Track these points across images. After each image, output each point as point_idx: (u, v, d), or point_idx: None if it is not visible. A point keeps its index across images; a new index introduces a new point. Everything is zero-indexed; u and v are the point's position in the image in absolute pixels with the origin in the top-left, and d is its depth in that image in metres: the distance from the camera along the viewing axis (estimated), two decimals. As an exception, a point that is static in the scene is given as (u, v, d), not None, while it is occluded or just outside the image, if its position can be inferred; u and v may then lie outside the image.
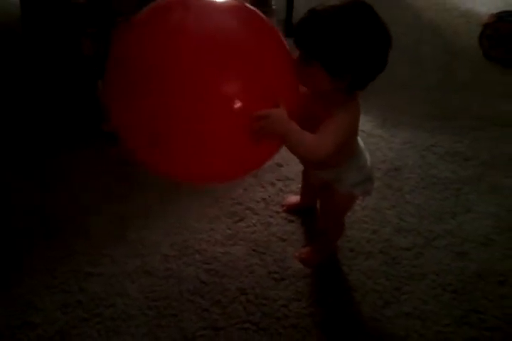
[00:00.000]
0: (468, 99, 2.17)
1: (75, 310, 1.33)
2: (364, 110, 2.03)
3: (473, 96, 2.19)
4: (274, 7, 2.16)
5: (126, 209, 1.62)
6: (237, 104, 0.93)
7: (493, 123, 2.03)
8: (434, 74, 2.35)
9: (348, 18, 0.98)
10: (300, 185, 1.63)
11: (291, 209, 1.62)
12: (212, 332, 1.29)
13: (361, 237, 1.55)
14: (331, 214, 1.40)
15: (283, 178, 1.75)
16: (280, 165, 1.79)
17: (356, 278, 1.43)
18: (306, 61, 1.03)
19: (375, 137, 1.95)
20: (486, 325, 1.31)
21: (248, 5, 1.04)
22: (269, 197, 1.68)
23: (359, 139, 1.27)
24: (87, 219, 1.59)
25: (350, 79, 1.04)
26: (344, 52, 0.99)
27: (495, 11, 2.49)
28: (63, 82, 1.97)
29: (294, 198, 1.63)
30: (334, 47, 0.99)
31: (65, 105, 1.98)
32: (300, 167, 1.77)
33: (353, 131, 1.14)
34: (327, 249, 1.49)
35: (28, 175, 1.75)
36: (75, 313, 1.33)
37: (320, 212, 1.50)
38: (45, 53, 2.00)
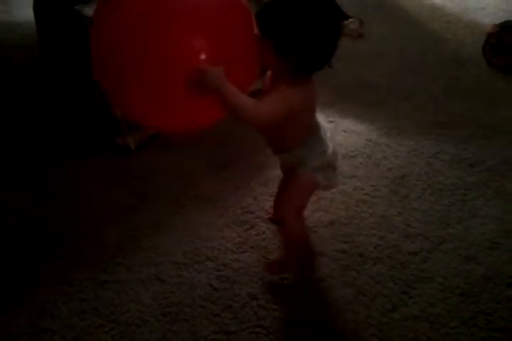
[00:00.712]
0: (473, 107, 2.20)
1: (91, 316, 1.38)
2: (369, 119, 2.07)
3: (477, 104, 2.22)
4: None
5: (138, 220, 1.67)
6: (190, 59, 1.06)
7: (497, 130, 2.06)
8: (438, 82, 2.39)
9: (300, 5, 1.10)
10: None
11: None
12: (224, 337, 1.32)
13: (369, 243, 1.58)
14: (285, 199, 1.36)
15: (291, 187, 1.79)
16: (288, 175, 1.83)
17: (365, 283, 1.46)
18: (262, 38, 1.14)
19: (381, 145, 1.99)
20: (494, 326, 1.33)
21: None
22: (278, 205, 1.72)
23: (324, 128, 1.34)
24: (100, 229, 1.63)
25: (294, 60, 1.13)
26: (289, 34, 1.10)
27: (498, 21, 2.54)
28: (77, 95, 2.04)
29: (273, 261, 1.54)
30: (281, 29, 1.11)
31: (80, 117, 2.04)
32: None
33: (295, 106, 1.18)
34: (289, 259, 1.44)
35: (41, 186, 1.80)
36: (91, 320, 1.37)
37: (275, 198, 1.40)
38: (61, 66, 2.08)
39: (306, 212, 1.50)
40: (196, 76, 1.07)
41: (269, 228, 1.64)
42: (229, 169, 1.86)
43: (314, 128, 1.32)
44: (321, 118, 2.07)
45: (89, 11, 1.68)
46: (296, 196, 1.36)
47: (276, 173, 1.82)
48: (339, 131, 2.05)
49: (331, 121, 2.10)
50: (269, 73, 1.27)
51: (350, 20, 2.84)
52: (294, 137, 1.28)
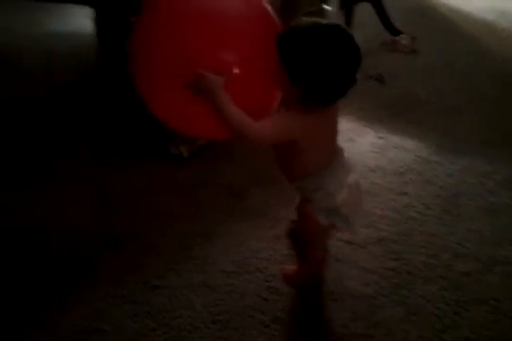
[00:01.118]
0: (527, 126, 2.17)
1: (143, 319, 1.41)
2: (420, 136, 2.06)
3: (532, 123, 2.19)
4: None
5: (189, 228, 1.70)
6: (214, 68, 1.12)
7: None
8: (490, 100, 2.36)
9: (316, 36, 1.10)
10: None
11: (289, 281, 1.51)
12: (273, 348, 1.34)
13: (419, 261, 1.57)
14: (302, 231, 1.39)
15: (341, 201, 1.79)
16: (338, 189, 1.84)
17: (416, 302, 1.44)
18: (280, 63, 1.14)
19: (431, 163, 1.97)
20: (549, 352, 1.30)
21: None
22: (328, 219, 1.73)
23: (343, 161, 1.31)
24: (152, 235, 1.67)
25: (303, 90, 1.13)
26: (299, 62, 1.11)
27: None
28: (135, 105, 2.09)
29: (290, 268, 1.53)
30: (293, 56, 1.11)
31: (135, 126, 2.10)
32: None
33: (296, 135, 1.18)
34: (306, 270, 1.47)
35: (99, 193, 1.86)
36: (144, 323, 1.40)
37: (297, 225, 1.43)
38: (118, 76, 2.14)
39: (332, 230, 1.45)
40: (195, 79, 1.11)
41: (318, 241, 1.64)
42: (280, 183, 1.86)
43: (326, 162, 1.27)
44: (371, 134, 2.11)
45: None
46: (307, 231, 1.37)
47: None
48: (389, 147, 2.05)
49: (381, 137, 2.10)
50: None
51: (402, 35, 2.85)
52: (301, 167, 1.27)
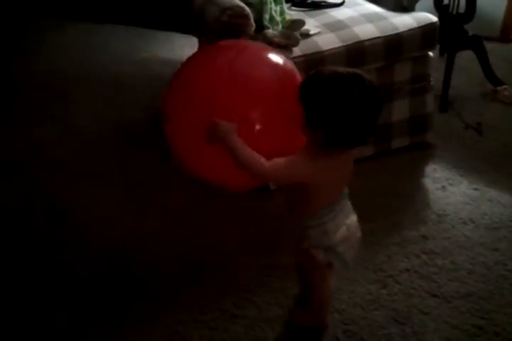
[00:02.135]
0: None
1: (219, 348, 1.43)
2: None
3: None
4: (432, 83, 2.24)
5: (270, 260, 1.71)
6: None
7: None
8: None
9: (330, 83, 1.14)
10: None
11: None
12: None
13: (510, 323, 1.48)
14: (301, 268, 1.42)
15: (428, 251, 1.74)
16: (426, 238, 1.79)
17: (501, 366, 1.37)
18: (301, 109, 1.18)
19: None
20: None
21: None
22: (413, 268, 1.68)
23: (341, 214, 1.31)
24: (235, 264, 1.71)
25: (322, 134, 1.15)
26: (316, 108, 1.15)
27: None
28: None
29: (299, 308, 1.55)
30: (311, 102, 1.15)
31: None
32: (448, 242, 1.77)
33: (307, 178, 1.20)
34: (309, 314, 1.47)
35: (184, 218, 1.93)
36: (219, 351, 1.42)
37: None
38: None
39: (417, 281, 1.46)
40: (210, 126, 1.17)
41: (401, 290, 1.60)
42: (364, 222, 1.85)
43: (327, 212, 1.29)
44: (465, 184, 2.04)
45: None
46: (303, 269, 1.40)
47: (412, 234, 1.80)
48: (484, 199, 1.97)
49: (476, 189, 2.03)
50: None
51: (504, 86, 2.77)
52: (308, 208, 1.29)
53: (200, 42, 2.31)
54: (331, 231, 1.29)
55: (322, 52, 1.87)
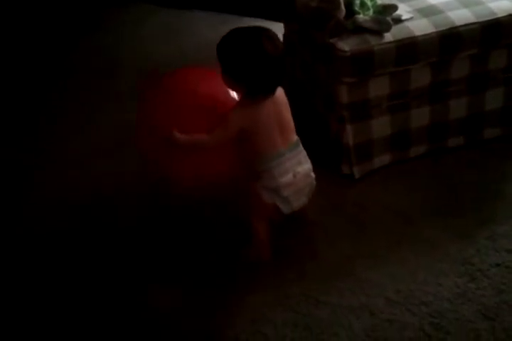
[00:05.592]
0: None
1: (302, 331, 1.45)
2: None
3: None
4: None
5: (355, 247, 1.71)
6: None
7: None
8: None
9: (241, 39, 1.40)
10: None
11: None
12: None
13: None
14: (247, 205, 1.61)
15: (521, 247, 1.67)
16: (519, 233, 1.72)
17: None
18: (222, 71, 1.44)
19: None
20: None
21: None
22: (503, 263, 1.62)
23: (288, 161, 1.50)
24: (320, 249, 1.71)
25: (244, 86, 1.43)
26: (233, 63, 1.41)
27: None
28: (316, 125, 2.16)
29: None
30: (227, 60, 1.42)
31: (315, 145, 2.16)
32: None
33: (245, 124, 1.44)
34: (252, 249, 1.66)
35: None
36: (302, 334, 1.44)
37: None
38: (304, 99, 2.23)
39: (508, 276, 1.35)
40: (167, 137, 1.43)
41: (490, 284, 1.55)
42: (452, 217, 1.80)
43: (275, 148, 1.49)
44: None
45: (342, 44, 1.81)
46: (251, 205, 1.59)
47: (504, 229, 1.73)
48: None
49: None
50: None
51: None
52: (252, 150, 1.49)
53: (286, 28, 2.32)
54: (278, 175, 1.49)
55: (414, 37, 1.81)
